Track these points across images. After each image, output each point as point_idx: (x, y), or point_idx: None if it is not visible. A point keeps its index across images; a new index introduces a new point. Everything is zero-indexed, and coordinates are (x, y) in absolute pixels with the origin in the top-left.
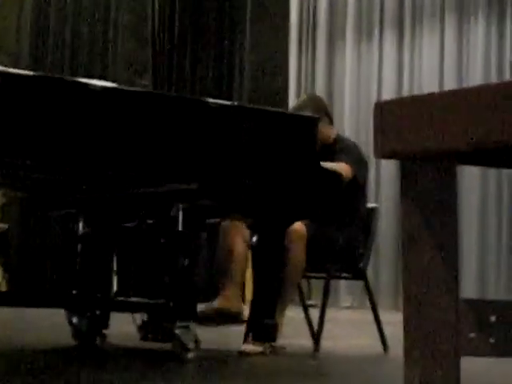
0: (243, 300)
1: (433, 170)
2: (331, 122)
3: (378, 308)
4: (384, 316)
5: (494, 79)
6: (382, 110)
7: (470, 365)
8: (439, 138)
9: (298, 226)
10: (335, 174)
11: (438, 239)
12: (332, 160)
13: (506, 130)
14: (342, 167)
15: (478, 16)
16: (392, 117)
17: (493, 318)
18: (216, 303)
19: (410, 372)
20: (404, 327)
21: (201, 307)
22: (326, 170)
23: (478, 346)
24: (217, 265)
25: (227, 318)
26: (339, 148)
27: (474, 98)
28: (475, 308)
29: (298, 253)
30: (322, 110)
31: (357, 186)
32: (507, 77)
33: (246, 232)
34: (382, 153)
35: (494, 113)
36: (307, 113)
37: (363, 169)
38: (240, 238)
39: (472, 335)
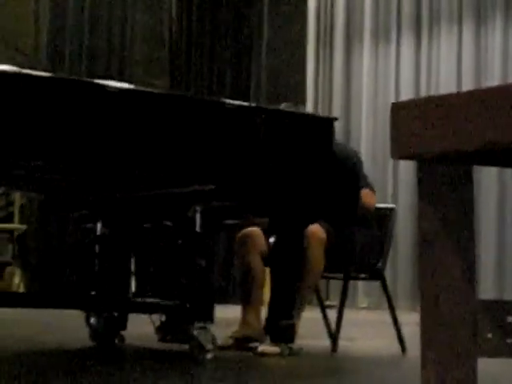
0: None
1: (450, 171)
2: None
3: (396, 309)
4: (402, 317)
5: (511, 80)
6: (398, 110)
7: (487, 366)
8: (456, 139)
9: (317, 229)
10: (353, 176)
11: (455, 240)
12: (345, 162)
13: None
14: (365, 196)
15: (496, 18)
16: (409, 118)
17: (510, 319)
18: (238, 330)
19: (427, 373)
20: (421, 328)
21: (219, 339)
22: (343, 171)
23: (495, 347)
24: (236, 283)
25: (248, 342)
26: (342, 155)
27: (491, 99)
28: (492, 309)
29: (316, 256)
30: None
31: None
32: None
33: (262, 241)
34: (399, 154)
35: (510, 113)
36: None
37: (364, 173)
38: (257, 253)
39: (489, 336)
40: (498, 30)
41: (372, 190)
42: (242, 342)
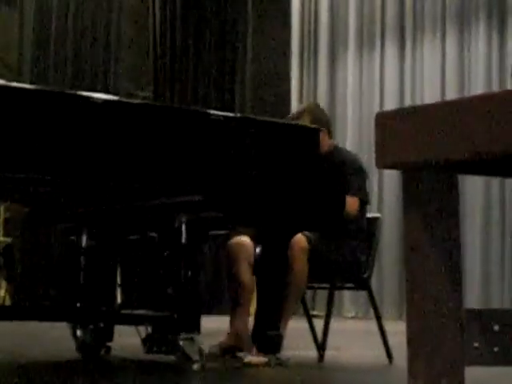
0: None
1: (434, 180)
2: (329, 131)
3: (383, 318)
4: (388, 326)
5: (495, 88)
6: (383, 120)
7: (474, 374)
8: (440, 148)
9: (300, 238)
10: (338, 187)
11: (441, 248)
12: (332, 172)
13: (507, 139)
14: (349, 203)
15: (479, 25)
16: (393, 127)
17: (496, 327)
18: (226, 340)
19: (415, 382)
20: (408, 337)
21: (206, 349)
22: (329, 182)
23: (482, 356)
24: (227, 293)
25: (235, 352)
26: (340, 162)
27: (475, 108)
28: (479, 317)
29: (300, 266)
30: (319, 120)
31: (361, 202)
32: (509, 86)
33: (251, 251)
34: (384, 163)
35: (494, 122)
36: (304, 122)
37: (365, 183)
38: (246, 263)
39: (476, 344)
40: (481, 38)
41: (363, 199)
42: (229, 352)
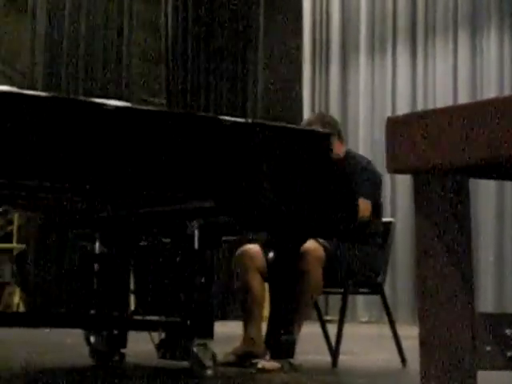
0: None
1: (445, 184)
2: (341, 138)
3: (396, 322)
4: (402, 330)
5: (508, 92)
6: (394, 124)
7: (486, 378)
8: (451, 152)
9: (316, 247)
10: (351, 192)
11: (452, 252)
12: (345, 177)
13: None
14: (361, 207)
15: (491, 29)
16: (404, 131)
17: (509, 332)
18: (240, 346)
19: None
20: (420, 341)
21: (219, 355)
22: (342, 187)
23: (494, 360)
24: (237, 301)
25: (250, 359)
26: (352, 166)
27: (487, 112)
28: (491, 321)
29: (315, 274)
30: (329, 126)
31: (373, 207)
32: None
33: (260, 258)
34: (395, 167)
35: (505, 126)
36: (316, 128)
37: (379, 189)
38: (255, 272)
39: (488, 349)
40: (492, 41)
41: (376, 203)
42: (243, 359)
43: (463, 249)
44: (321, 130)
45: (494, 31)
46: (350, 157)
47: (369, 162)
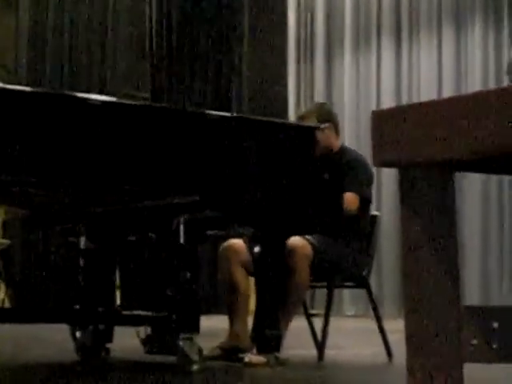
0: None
1: (431, 178)
2: (337, 131)
3: (382, 316)
4: (388, 324)
5: (492, 86)
6: (379, 118)
7: (473, 371)
8: (437, 146)
9: (304, 245)
10: (337, 186)
11: (438, 246)
12: (337, 172)
13: (503, 136)
14: (348, 198)
15: (475, 24)
16: (390, 125)
17: (495, 325)
18: (226, 341)
19: (414, 380)
20: (406, 335)
21: (206, 350)
22: (327, 181)
23: (480, 353)
24: (221, 296)
25: (236, 353)
26: (345, 161)
27: (472, 105)
28: (477, 315)
29: (302, 271)
30: (326, 119)
31: (363, 202)
32: (505, 83)
33: (244, 253)
34: (380, 161)
35: (490, 120)
36: (311, 121)
37: (370, 184)
38: (239, 266)
39: (475, 342)
40: (477, 35)
41: (366, 198)
42: (229, 353)
43: (449, 242)
44: (308, 124)
45: (479, 26)
46: (344, 151)
47: (362, 158)
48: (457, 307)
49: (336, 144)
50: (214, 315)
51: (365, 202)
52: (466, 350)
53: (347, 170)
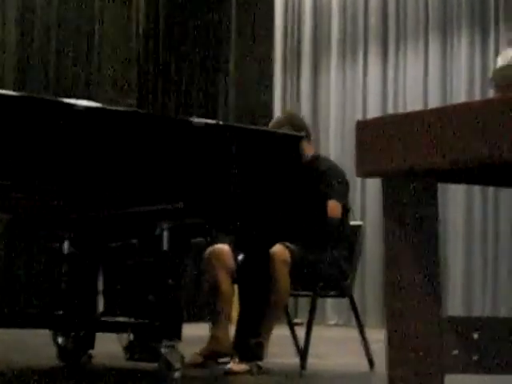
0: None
1: (413, 188)
2: (309, 139)
3: (365, 325)
4: (371, 333)
5: (478, 96)
6: (363, 128)
7: (453, 382)
8: (419, 156)
9: (282, 251)
10: (320, 195)
11: (419, 256)
12: (313, 180)
13: (485, 148)
14: (331, 207)
15: (462, 33)
16: (373, 135)
17: (476, 335)
18: (206, 346)
19: None
20: (387, 345)
21: (187, 357)
22: (311, 190)
23: (461, 363)
24: (205, 302)
25: (217, 358)
26: (321, 170)
27: (455, 116)
28: (458, 325)
29: (282, 277)
30: (299, 128)
31: (343, 211)
32: (491, 95)
33: (230, 259)
34: (364, 171)
35: (472, 131)
36: (286, 130)
37: (347, 192)
38: (224, 271)
39: (455, 352)
40: (463, 46)
41: (346, 206)
42: (211, 358)
43: (431, 252)
44: (291, 132)
45: (465, 36)
46: (318, 159)
47: (338, 167)
48: (438, 318)
49: (310, 152)
50: (195, 323)
51: (345, 210)
52: (447, 360)
53: (324, 178)
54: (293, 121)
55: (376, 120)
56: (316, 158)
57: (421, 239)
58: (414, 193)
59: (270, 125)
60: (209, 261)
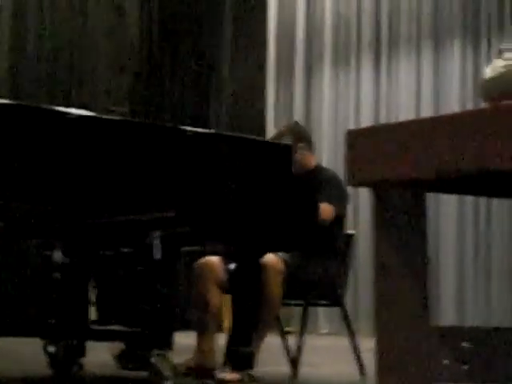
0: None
1: (402, 198)
2: (311, 150)
3: (358, 334)
4: (363, 342)
5: (469, 107)
6: (354, 137)
7: None
8: (408, 166)
9: (275, 261)
10: (312, 205)
11: (408, 265)
12: (313, 190)
13: (474, 158)
14: (324, 209)
15: (454, 44)
16: (364, 145)
17: (466, 345)
18: (192, 358)
19: None
20: (377, 354)
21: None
22: (303, 200)
23: (451, 373)
24: (193, 314)
25: (201, 373)
26: (321, 179)
27: (446, 126)
28: (448, 335)
29: (274, 287)
30: (301, 138)
31: (337, 219)
32: (483, 104)
33: (219, 271)
34: (354, 180)
35: (461, 141)
36: (286, 140)
37: (345, 201)
38: (214, 284)
39: (446, 362)
40: (456, 55)
41: (340, 214)
42: (196, 371)
43: (420, 262)
44: (284, 142)
45: (457, 45)
46: (319, 169)
47: (337, 176)
48: (426, 326)
49: (311, 163)
50: (188, 332)
51: (339, 219)
52: (438, 370)
53: (323, 187)
54: (294, 131)
55: (366, 130)
56: (317, 169)
57: (410, 249)
58: (403, 203)
59: (273, 135)
60: (199, 273)
